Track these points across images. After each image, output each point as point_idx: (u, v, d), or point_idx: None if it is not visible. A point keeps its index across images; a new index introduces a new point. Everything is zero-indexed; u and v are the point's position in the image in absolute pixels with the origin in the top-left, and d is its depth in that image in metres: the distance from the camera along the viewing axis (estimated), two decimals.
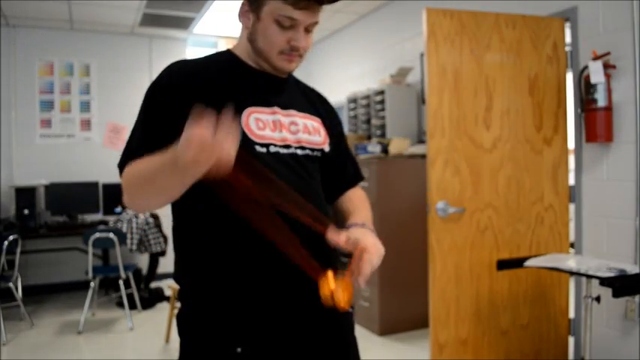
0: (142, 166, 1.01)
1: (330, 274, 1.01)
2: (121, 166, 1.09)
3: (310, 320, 1.15)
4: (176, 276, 1.18)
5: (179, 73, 1.12)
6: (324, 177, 1.27)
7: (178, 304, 1.21)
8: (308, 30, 1.12)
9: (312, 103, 1.28)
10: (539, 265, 2.39)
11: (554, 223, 2.92)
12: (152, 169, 0.97)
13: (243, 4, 1.14)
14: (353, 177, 1.38)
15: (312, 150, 1.19)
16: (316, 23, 1.12)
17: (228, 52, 1.22)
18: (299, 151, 1.16)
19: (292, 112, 1.18)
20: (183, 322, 1.17)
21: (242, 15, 1.15)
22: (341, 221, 1.28)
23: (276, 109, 1.16)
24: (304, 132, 1.18)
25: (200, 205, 1.11)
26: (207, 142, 0.82)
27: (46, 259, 5.22)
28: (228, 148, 0.85)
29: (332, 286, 1.00)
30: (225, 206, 1.07)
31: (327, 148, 1.23)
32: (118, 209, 5.01)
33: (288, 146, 1.14)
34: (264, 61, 1.15)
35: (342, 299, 1.01)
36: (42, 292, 5.19)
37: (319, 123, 1.24)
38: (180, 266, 1.17)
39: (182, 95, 1.07)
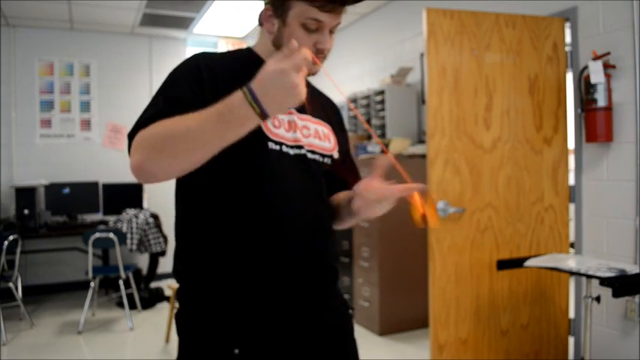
0: (176, 121, 0.94)
1: (416, 197, 1.08)
2: (135, 130, 1.02)
3: (308, 323, 1.15)
4: (176, 275, 1.18)
5: (207, 59, 1.12)
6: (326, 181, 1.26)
7: (178, 304, 1.21)
8: (331, 31, 1.13)
9: (324, 109, 1.28)
10: (539, 265, 2.39)
11: (554, 223, 2.92)
12: (194, 121, 0.92)
13: (265, 9, 1.14)
14: (351, 182, 1.37)
15: (323, 156, 1.20)
16: (339, 24, 1.13)
17: (250, 50, 1.22)
18: (309, 155, 1.16)
19: (306, 116, 1.20)
20: (182, 321, 1.17)
21: (265, 20, 1.15)
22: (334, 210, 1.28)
23: (292, 110, 1.16)
24: (315, 137, 1.19)
25: (203, 207, 1.11)
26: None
27: (46, 259, 5.22)
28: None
29: (422, 210, 1.08)
30: (228, 209, 1.08)
31: (336, 155, 1.24)
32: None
33: (300, 147, 1.15)
34: None
35: (433, 220, 1.08)
36: (42, 292, 5.19)
37: (329, 129, 1.25)
38: (180, 265, 1.17)
39: (208, 79, 1.07)
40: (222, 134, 0.91)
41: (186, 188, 1.15)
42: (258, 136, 1.08)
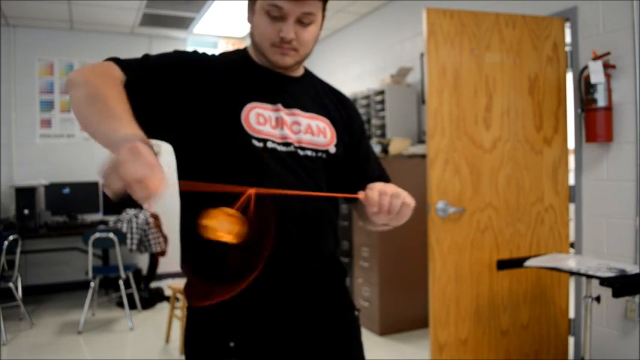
0: (109, 85, 0.99)
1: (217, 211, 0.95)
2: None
3: (306, 319, 1.15)
4: (181, 268, 1.19)
5: (201, 56, 1.17)
6: (340, 179, 1.24)
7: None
8: (302, 22, 1.10)
9: (324, 103, 1.25)
10: (539, 265, 2.39)
11: (554, 223, 2.92)
12: (102, 110, 0.94)
13: (248, 2, 1.15)
14: (378, 179, 1.30)
15: (316, 151, 1.18)
16: (309, 14, 1.10)
17: (243, 50, 1.23)
18: (299, 151, 1.15)
19: (296, 111, 1.17)
20: (187, 314, 1.18)
21: (248, 12, 1.16)
22: (363, 214, 1.25)
23: (280, 106, 1.15)
24: (307, 132, 1.17)
25: (204, 206, 1.12)
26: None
27: (46, 259, 5.22)
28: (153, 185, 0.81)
29: (217, 217, 0.94)
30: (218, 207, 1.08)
31: (332, 150, 1.20)
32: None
33: (288, 144, 1.13)
34: (261, 55, 1.15)
35: (225, 230, 0.95)
36: (42, 292, 5.19)
37: (326, 124, 1.22)
38: (183, 259, 1.18)
39: (194, 73, 1.11)
40: (99, 132, 0.93)
41: (189, 193, 1.16)
42: (240, 134, 1.08)
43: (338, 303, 1.24)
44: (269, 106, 1.14)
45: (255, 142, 1.09)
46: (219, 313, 1.10)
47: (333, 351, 1.19)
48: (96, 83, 0.98)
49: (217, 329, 1.10)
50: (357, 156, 1.29)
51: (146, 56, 1.13)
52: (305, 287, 1.14)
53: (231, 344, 1.08)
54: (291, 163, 1.12)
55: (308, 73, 1.27)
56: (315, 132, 1.18)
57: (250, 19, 1.15)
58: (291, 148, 1.13)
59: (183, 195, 1.15)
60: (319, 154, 1.18)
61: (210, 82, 1.11)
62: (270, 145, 1.11)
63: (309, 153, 1.16)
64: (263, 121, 1.11)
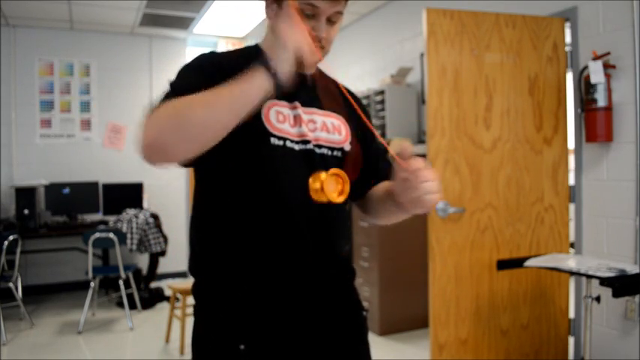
0: (196, 96, 0.95)
1: (322, 172, 1.04)
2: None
3: (315, 320, 1.15)
4: (190, 270, 1.19)
5: (212, 58, 1.14)
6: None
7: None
8: (331, 21, 1.11)
9: (336, 99, 1.25)
10: (539, 265, 2.39)
11: (554, 223, 2.92)
12: (215, 93, 0.97)
13: None
14: (387, 173, 1.30)
15: (331, 149, 1.18)
16: (339, 14, 1.11)
17: (256, 46, 1.22)
18: (316, 149, 1.14)
19: (313, 109, 1.17)
20: (195, 315, 1.17)
21: (267, 7, 1.15)
22: (375, 206, 1.26)
23: (297, 104, 1.15)
24: (322, 130, 1.17)
25: (213, 204, 1.12)
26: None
27: (46, 259, 5.22)
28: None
29: (322, 177, 1.02)
30: (235, 206, 1.09)
31: (347, 147, 1.21)
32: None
33: (305, 142, 1.13)
34: None
35: (332, 190, 1.03)
36: (42, 292, 5.19)
37: (341, 121, 1.22)
38: (194, 261, 1.18)
39: (214, 73, 1.07)
40: (237, 99, 0.97)
41: (201, 187, 1.17)
42: (260, 132, 1.08)
43: (348, 305, 1.23)
44: (287, 103, 1.13)
45: (274, 140, 1.09)
46: (230, 314, 1.10)
47: (344, 354, 1.19)
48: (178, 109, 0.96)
49: (227, 331, 1.09)
50: (369, 153, 1.29)
51: (171, 85, 1.08)
52: (317, 290, 1.14)
53: (242, 347, 1.07)
54: (308, 161, 1.12)
55: (319, 70, 1.27)
56: (330, 129, 1.18)
57: (273, 15, 1.13)
58: (309, 146, 1.13)
59: (215, 203, 1.13)
60: (335, 152, 1.18)
61: (231, 78, 1.08)
62: (288, 144, 1.10)
63: (325, 151, 1.16)
64: (282, 119, 1.11)
